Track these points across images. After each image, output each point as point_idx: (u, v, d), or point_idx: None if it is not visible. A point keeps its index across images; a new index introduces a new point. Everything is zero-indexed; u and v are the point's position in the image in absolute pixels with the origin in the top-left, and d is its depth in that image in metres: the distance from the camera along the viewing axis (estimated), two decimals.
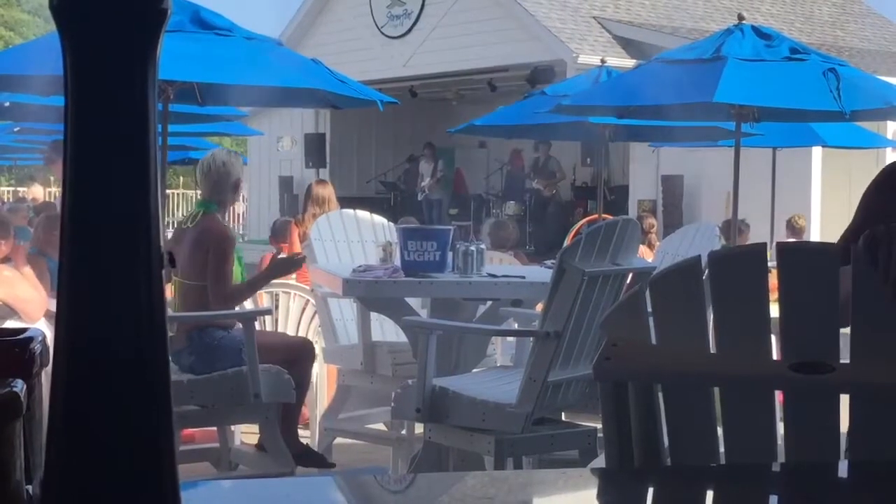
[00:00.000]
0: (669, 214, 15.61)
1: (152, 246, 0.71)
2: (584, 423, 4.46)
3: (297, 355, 5.00)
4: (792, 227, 10.83)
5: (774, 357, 1.76)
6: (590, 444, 4.14)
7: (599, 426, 4.70)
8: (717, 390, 1.76)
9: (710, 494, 1.42)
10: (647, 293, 1.78)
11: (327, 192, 7.59)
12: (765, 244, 1.85)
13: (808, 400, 1.74)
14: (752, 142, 8.88)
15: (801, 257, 1.80)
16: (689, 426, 1.73)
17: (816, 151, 13.86)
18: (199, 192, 5.17)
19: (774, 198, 11.44)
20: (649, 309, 1.78)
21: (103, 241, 0.71)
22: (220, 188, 5.05)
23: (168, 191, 22.71)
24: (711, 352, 1.77)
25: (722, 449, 1.73)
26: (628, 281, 4.28)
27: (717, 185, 13.78)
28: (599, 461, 4.05)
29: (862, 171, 14.41)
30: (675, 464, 1.71)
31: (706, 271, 1.79)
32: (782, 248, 1.77)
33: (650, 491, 1.41)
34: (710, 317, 1.78)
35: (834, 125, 9.46)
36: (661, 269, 5.22)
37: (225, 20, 6.24)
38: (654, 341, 1.75)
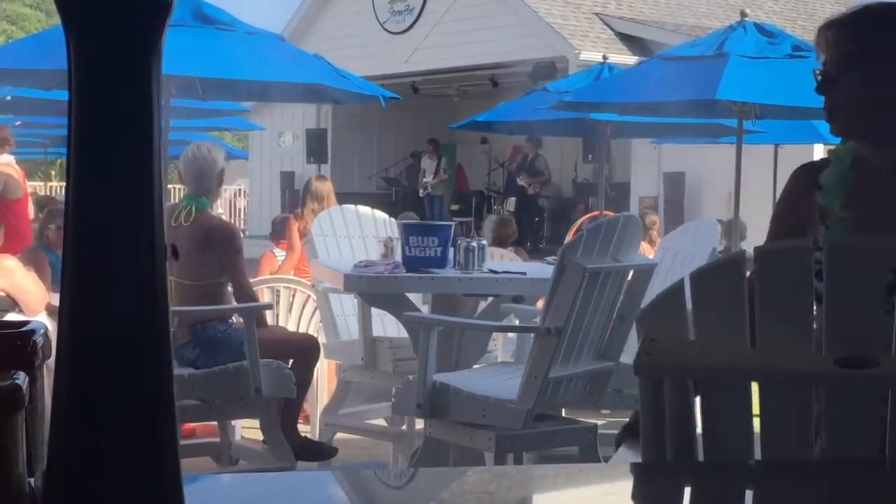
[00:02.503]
0: (671, 211, 15.61)
1: (155, 239, 0.72)
2: (584, 420, 4.46)
3: (302, 352, 5.00)
4: None
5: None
6: (590, 441, 4.14)
7: (600, 423, 4.71)
8: (754, 386, 1.76)
9: (746, 491, 1.41)
10: (687, 288, 1.78)
11: (326, 187, 7.59)
12: (809, 240, 1.85)
13: (852, 395, 1.74)
14: (754, 139, 8.88)
15: (846, 252, 1.80)
16: (726, 422, 1.73)
17: (818, 148, 13.84)
18: (183, 186, 4.97)
19: (776, 195, 11.42)
20: (687, 304, 1.78)
21: (107, 235, 0.72)
22: (207, 180, 4.92)
23: (169, 185, 22.73)
24: (750, 347, 1.77)
25: (757, 445, 1.73)
26: (629, 278, 4.28)
27: (719, 181, 13.77)
28: (619, 455, 4.05)
29: None
30: (707, 459, 1.72)
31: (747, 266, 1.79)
32: (828, 243, 1.78)
33: (685, 488, 1.41)
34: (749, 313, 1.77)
35: None
36: (661, 265, 5.21)
37: (227, 15, 6.25)
38: (691, 336, 1.76)
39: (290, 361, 4.93)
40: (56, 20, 0.76)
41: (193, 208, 4.86)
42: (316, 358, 5.12)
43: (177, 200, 5.18)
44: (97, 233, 0.72)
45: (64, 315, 0.71)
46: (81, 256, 0.71)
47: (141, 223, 0.72)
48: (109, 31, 0.71)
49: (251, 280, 5.28)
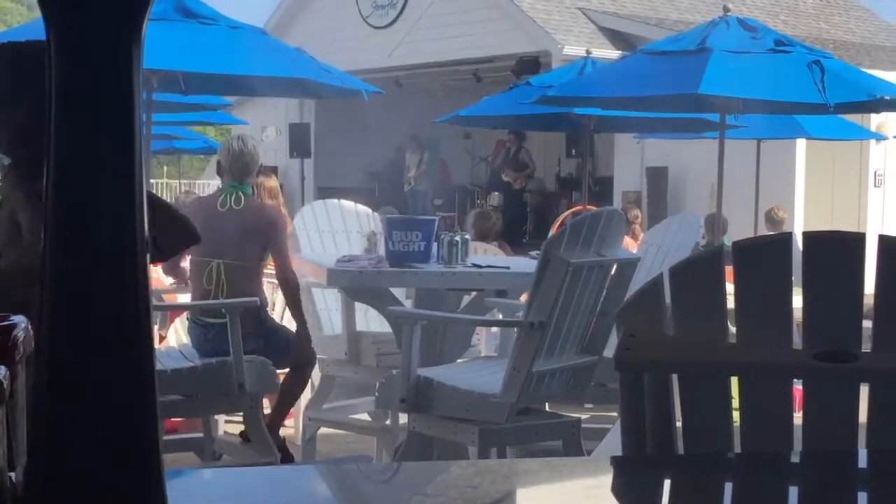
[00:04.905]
0: (654, 206, 15.64)
1: (137, 235, 0.71)
2: (567, 414, 4.47)
3: (306, 358, 5.07)
4: (772, 218, 10.85)
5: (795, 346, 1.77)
6: (573, 435, 4.15)
7: (583, 416, 4.73)
8: (735, 380, 1.76)
9: (725, 484, 1.42)
10: (667, 283, 1.78)
11: (274, 182, 7.57)
12: (790, 234, 1.85)
13: (830, 389, 1.75)
14: (736, 133, 8.91)
15: (825, 246, 1.81)
16: (706, 415, 1.74)
17: (800, 143, 13.90)
18: (224, 175, 5.11)
19: (759, 189, 11.47)
20: (667, 299, 1.78)
21: (87, 230, 0.71)
22: (250, 172, 5.09)
23: (151, 180, 22.66)
24: (731, 342, 1.77)
25: (737, 438, 1.74)
26: (612, 272, 4.29)
27: (702, 176, 13.81)
28: (602, 449, 4.06)
29: (845, 162, 14.51)
30: (688, 452, 1.72)
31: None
32: (808, 237, 1.78)
33: (665, 481, 1.41)
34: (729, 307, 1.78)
35: (818, 117, 9.48)
36: (645, 259, 5.22)
37: (209, 9, 6.23)
38: (671, 331, 1.76)
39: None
40: (38, 14, 0.76)
41: (240, 194, 5.01)
42: (314, 364, 5.20)
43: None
44: (78, 227, 0.72)
45: (43, 307, 0.71)
46: (61, 251, 0.71)
47: (122, 219, 0.72)
48: (90, 23, 0.71)
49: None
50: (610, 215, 4.13)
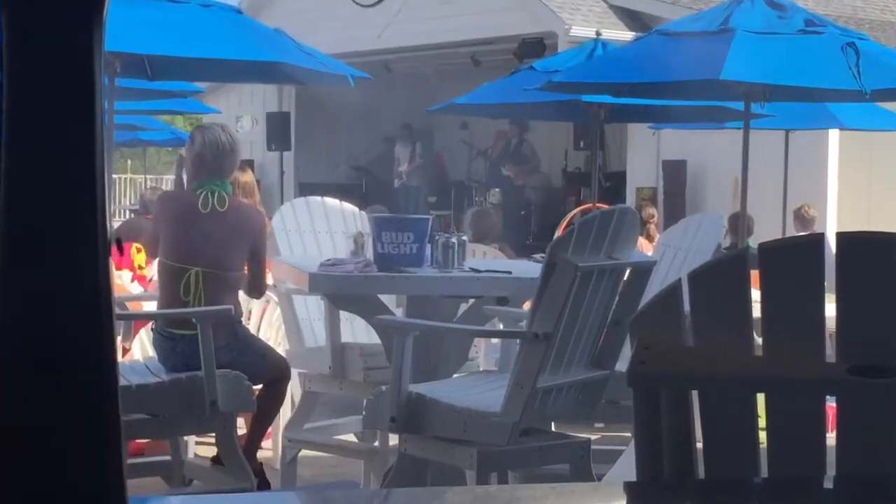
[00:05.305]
0: (671, 203, 15.65)
1: (98, 235, 0.71)
2: (576, 435, 4.48)
3: (281, 372, 5.07)
4: (801, 217, 10.88)
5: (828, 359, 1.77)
6: (582, 458, 4.16)
7: (593, 437, 4.73)
8: (760, 396, 1.76)
9: None
10: (685, 289, 1.78)
11: (250, 177, 7.57)
12: (822, 235, 1.85)
13: (866, 406, 1.75)
14: (762, 123, 8.91)
15: (861, 248, 1.81)
16: (729, 436, 1.74)
17: (833, 134, 13.91)
18: (199, 170, 4.95)
19: (787, 185, 11.48)
20: (685, 307, 1.78)
21: (44, 231, 0.71)
22: (233, 167, 5.07)
23: (114, 175, 22.67)
24: (756, 354, 1.77)
25: (764, 460, 1.74)
26: (625, 277, 4.30)
27: (724, 171, 13.81)
28: (615, 473, 4.06)
29: (883, 155, 14.52)
30: (710, 476, 1.72)
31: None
32: (842, 238, 1.78)
33: None
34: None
35: (852, 105, 9.49)
36: (661, 263, 5.23)
37: None
38: (690, 343, 1.76)
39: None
40: None
41: (223, 194, 4.95)
42: (289, 378, 5.20)
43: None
44: (34, 229, 0.72)
45: None
46: (16, 254, 0.71)
47: (82, 217, 0.72)
48: (45, 3, 0.71)
49: None
50: (622, 214, 4.14)
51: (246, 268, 5.07)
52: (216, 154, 4.98)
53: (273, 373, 5.07)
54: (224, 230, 4.90)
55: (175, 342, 4.86)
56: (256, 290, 5.13)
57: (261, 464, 5.14)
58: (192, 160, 5.05)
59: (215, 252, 4.89)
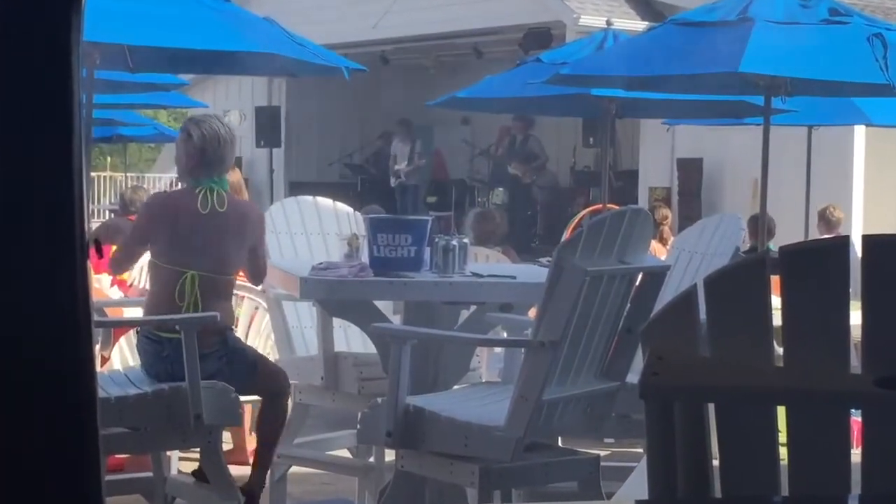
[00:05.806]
0: (686, 204, 15.67)
1: (76, 235, 0.72)
2: (584, 450, 4.48)
3: (279, 386, 5.05)
4: (826, 219, 10.89)
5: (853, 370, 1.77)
6: (591, 475, 4.15)
7: (603, 453, 4.73)
8: (781, 410, 1.76)
9: None
10: (701, 295, 1.78)
11: (238, 176, 7.58)
12: (847, 238, 1.85)
13: (893, 420, 1.75)
14: (783, 119, 8.92)
15: (890, 253, 1.81)
16: (747, 451, 1.74)
17: (859, 131, 13.92)
18: (195, 167, 4.89)
19: (810, 185, 11.49)
20: (701, 315, 1.78)
21: (20, 231, 0.72)
22: (228, 163, 5.06)
23: (93, 173, 22.67)
24: (777, 365, 1.78)
25: (784, 478, 1.74)
26: (637, 283, 4.30)
27: (743, 170, 13.82)
28: (626, 491, 4.07)
29: None
30: (726, 495, 1.72)
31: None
32: (868, 241, 1.78)
33: None
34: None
35: (880, 100, 9.49)
36: (675, 267, 5.23)
37: None
38: (706, 352, 1.76)
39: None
40: None
41: (223, 192, 4.96)
42: (290, 390, 5.19)
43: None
44: (10, 229, 0.72)
45: None
46: None
47: (59, 217, 0.72)
48: None
49: None
50: (634, 215, 4.13)
51: (246, 261, 5.10)
52: (217, 147, 4.95)
53: (269, 386, 5.03)
54: (224, 232, 4.91)
55: (162, 346, 4.84)
56: (257, 277, 5.16)
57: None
58: (191, 155, 4.95)
59: (215, 255, 4.89)
